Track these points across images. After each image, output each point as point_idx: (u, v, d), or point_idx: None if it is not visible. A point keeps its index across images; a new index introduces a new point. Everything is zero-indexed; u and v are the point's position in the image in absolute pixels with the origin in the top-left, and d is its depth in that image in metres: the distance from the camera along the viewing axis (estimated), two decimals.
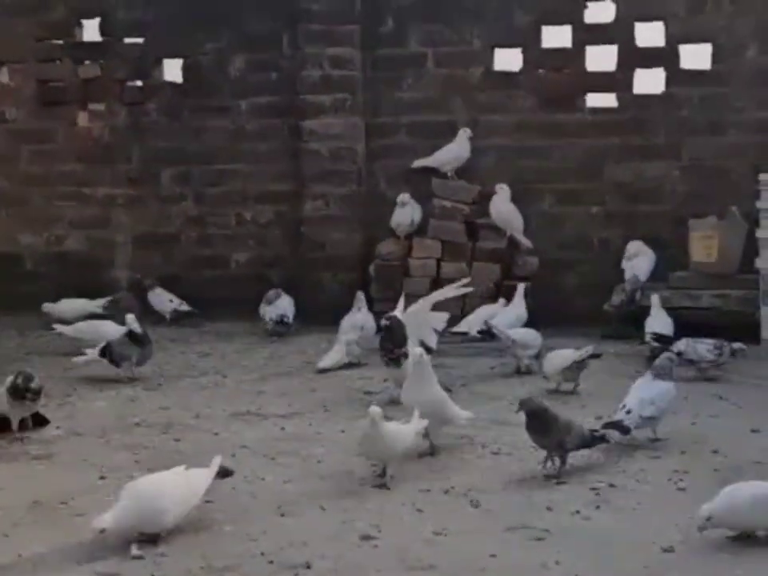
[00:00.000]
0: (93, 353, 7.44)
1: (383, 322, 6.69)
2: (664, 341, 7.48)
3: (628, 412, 5.51)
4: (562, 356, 6.91)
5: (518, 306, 8.46)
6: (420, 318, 6.86)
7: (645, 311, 8.19)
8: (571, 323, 8.65)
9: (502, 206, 9.25)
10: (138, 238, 10.39)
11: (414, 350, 5.86)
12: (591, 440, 5.25)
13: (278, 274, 9.59)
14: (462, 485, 5.00)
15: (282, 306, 9.04)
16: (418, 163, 9.58)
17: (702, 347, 7.20)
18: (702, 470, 5.14)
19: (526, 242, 9.28)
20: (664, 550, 4.19)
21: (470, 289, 7.69)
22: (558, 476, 5.06)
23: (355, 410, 6.52)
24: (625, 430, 5.48)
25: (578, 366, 6.87)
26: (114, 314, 8.79)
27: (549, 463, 5.13)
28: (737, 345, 7.23)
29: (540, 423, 5.10)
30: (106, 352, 7.38)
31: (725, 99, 9.32)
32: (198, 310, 9.51)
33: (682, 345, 7.21)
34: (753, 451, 5.51)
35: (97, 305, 9.29)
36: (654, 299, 8.16)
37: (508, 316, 8.27)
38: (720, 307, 8.51)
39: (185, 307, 9.53)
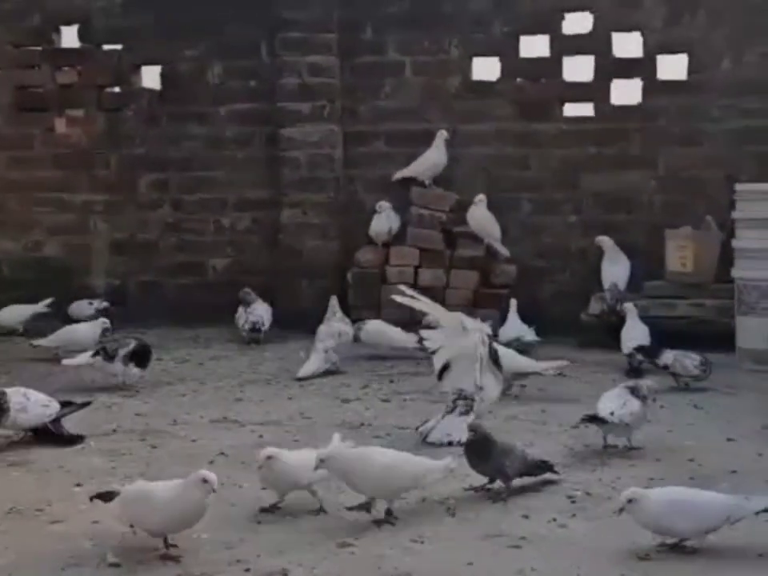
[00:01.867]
0: (85, 357, 7.40)
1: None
2: (649, 353, 7.48)
3: (612, 413, 5.56)
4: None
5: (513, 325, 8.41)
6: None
7: (623, 320, 8.23)
8: (548, 331, 8.68)
9: (479, 214, 9.29)
10: (115, 244, 10.37)
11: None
12: (535, 467, 5.11)
13: (256, 281, 9.58)
14: (438, 493, 5.01)
15: (257, 312, 9.04)
16: (398, 175, 9.61)
17: (689, 362, 7.19)
18: (677, 477, 5.16)
19: (503, 251, 9.32)
20: (640, 558, 4.22)
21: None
22: (505, 499, 4.93)
23: (333, 418, 6.54)
24: (602, 421, 5.58)
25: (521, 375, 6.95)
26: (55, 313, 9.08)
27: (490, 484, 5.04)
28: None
29: (479, 449, 4.98)
30: (100, 351, 7.36)
31: (701, 110, 9.39)
32: (114, 304, 9.52)
33: (669, 359, 7.21)
34: (727, 460, 5.54)
35: (43, 305, 9.32)
36: (630, 308, 8.19)
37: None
38: (695, 316, 8.57)
39: (104, 303, 9.55)
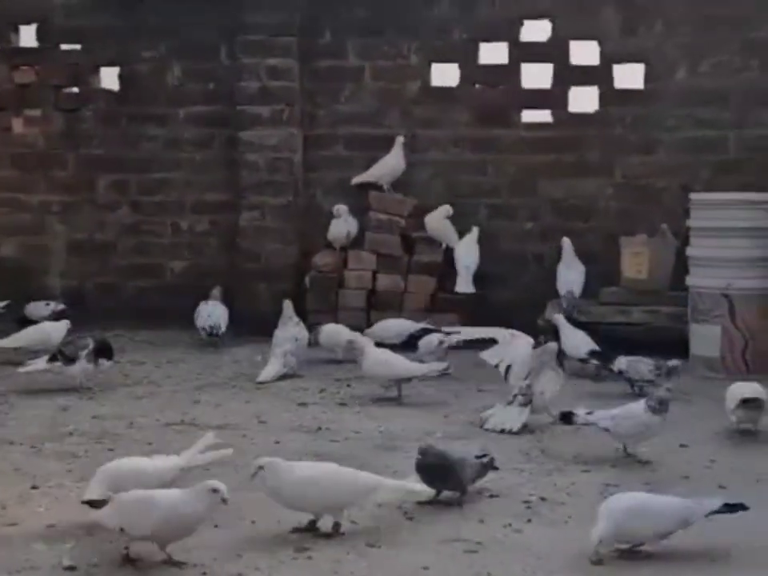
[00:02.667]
0: (40, 362, 7.35)
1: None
2: (603, 359, 7.54)
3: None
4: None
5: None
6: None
7: (579, 327, 8.29)
8: None
9: (437, 220, 9.33)
10: (73, 245, 10.32)
11: None
12: (484, 468, 5.14)
13: (214, 283, 9.55)
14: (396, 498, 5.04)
15: (215, 316, 9.02)
16: (357, 180, 9.64)
17: (643, 367, 7.23)
18: (632, 483, 5.23)
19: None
20: (593, 563, 4.27)
21: None
22: (460, 504, 4.97)
23: (291, 421, 6.56)
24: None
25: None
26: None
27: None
28: (672, 363, 7.36)
29: (435, 469, 4.93)
30: (57, 355, 7.32)
31: (656, 119, 9.50)
32: (71, 305, 9.46)
33: (623, 364, 7.26)
34: (681, 465, 5.62)
35: None
36: (560, 319, 8.21)
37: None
38: (650, 323, 8.66)
39: (60, 305, 9.46)
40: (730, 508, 4.40)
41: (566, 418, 5.85)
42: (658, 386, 7.11)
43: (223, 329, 8.98)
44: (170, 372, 8.13)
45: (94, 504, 4.43)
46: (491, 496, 5.11)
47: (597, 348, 7.77)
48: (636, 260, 8.85)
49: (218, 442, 4.99)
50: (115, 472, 4.66)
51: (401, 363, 7.16)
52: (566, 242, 9.22)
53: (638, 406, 5.71)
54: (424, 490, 4.90)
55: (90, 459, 5.70)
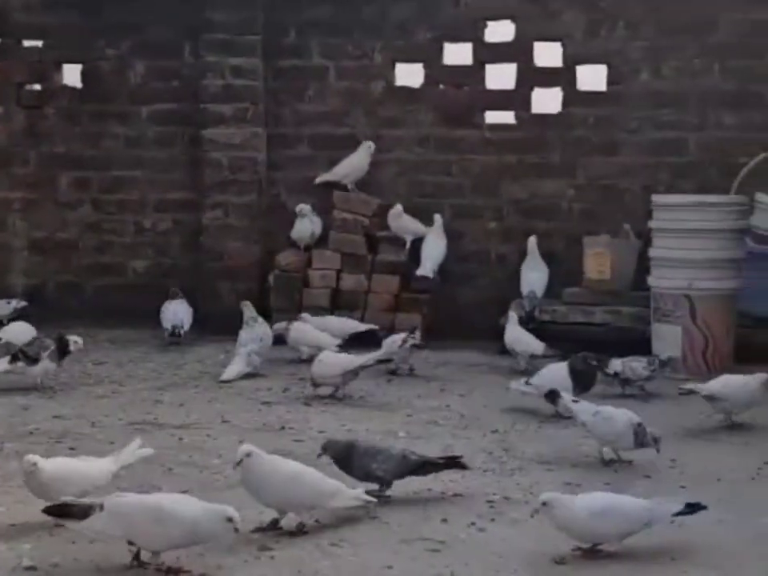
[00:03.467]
0: (2, 363, 7.28)
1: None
2: (598, 362, 7.52)
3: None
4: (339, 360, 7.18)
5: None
6: None
7: (541, 326, 8.33)
8: (468, 337, 8.79)
9: (393, 219, 9.35)
10: (34, 243, 10.23)
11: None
12: (419, 466, 5.04)
13: (176, 282, 9.51)
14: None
15: (179, 315, 8.98)
16: (321, 179, 9.64)
17: (638, 365, 7.30)
18: (593, 482, 5.26)
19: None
20: (556, 562, 4.30)
21: None
22: (380, 497, 4.91)
23: (254, 421, 6.55)
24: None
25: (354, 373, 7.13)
26: None
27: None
28: (665, 355, 7.41)
29: (343, 460, 4.97)
30: (19, 355, 7.26)
31: (619, 120, 9.56)
32: (32, 303, 9.39)
33: (617, 366, 7.31)
34: (642, 465, 5.66)
35: None
36: (512, 317, 8.27)
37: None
38: (612, 323, 8.72)
39: (22, 303, 9.37)
40: (691, 508, 4.43)
41: (552, 396, 5.89)
42: (653, 379, 7.18)
43: (186, 328, 8.94)
44: (133, 371, 8.08)
45: (57, 511, 4.24)
46: (455, 495, 5.13)
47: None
48: (598, 260, 8.91)
49: (145, 448, 4.91)
50: (51, 474, 4.56)
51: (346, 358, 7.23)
52: (532, 241, 9.26)
53: (623, 416, 5.67)
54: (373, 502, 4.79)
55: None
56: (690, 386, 6.66)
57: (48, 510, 4.26)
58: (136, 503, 4.15)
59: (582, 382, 6.73)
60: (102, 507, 4.10)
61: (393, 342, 7.92)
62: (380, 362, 7.32)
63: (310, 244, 9.49)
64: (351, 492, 4.75)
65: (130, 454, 4.86)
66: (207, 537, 4.13)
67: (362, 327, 8.58)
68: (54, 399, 7.13)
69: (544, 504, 4.31)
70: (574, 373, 6.74)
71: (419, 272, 9.11)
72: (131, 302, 9.72)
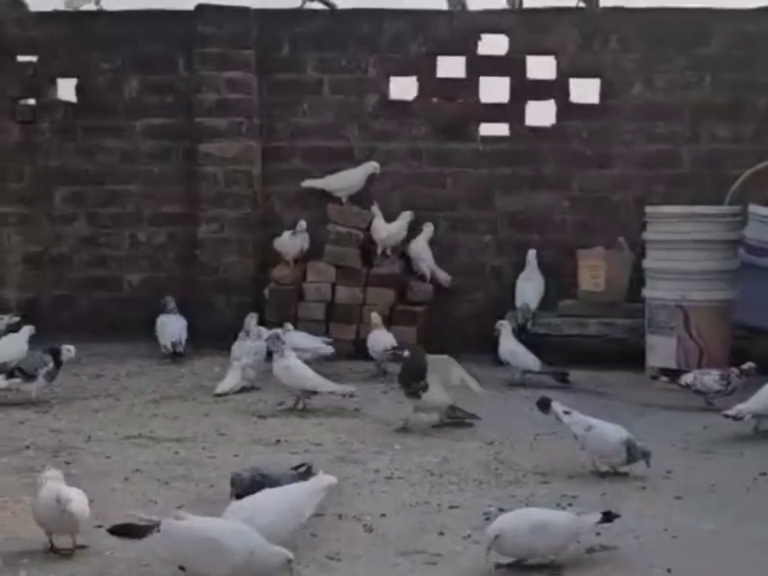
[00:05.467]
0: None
1: (404, 353, 7.16)
2: (671, 374, 7.55)
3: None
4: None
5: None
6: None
7: (536, 338, 8.34)
8: (464, 349, 8.76)
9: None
10: (29, 257, 10.23)
11: None
12: (301, 479, 4.80)
13: (172, 296, 9.51)
14: (355, 509, 5.05)
15: (176, 330, 8.97)
16: (308, 183, 9.67)
17: (708, 378, 7.29)
18: (589, 494, 5.28)
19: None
20: (550, 574, 4.30)
21: None
22: None
23: (249, 434, 6.55)
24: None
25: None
26: None
27: None
28: (746, 365, 7.34)
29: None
30: (16, 372, 7.25)
31: (612, 133, 9.60)
32: (27, 317, 9.21)
33: (689, 378, 7.33)
34: (637, 477, 5.66)
35: None
36: (506, 326, 8.29)
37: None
38: (607, 335, 8.74)
39: (15, 318, 9.26)
40: (608, 516, 4.48)
41: (543, 404, 5.87)
42: (728, 394, 7.13)
43: (183, 344, 8.94)
44: (128, 385, 8.08)
45: (120, 530, 4.12)
46: (451, 507, 5.14)
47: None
48: (593, 273, 8.94)
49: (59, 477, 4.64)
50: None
51: (310, 375, 7.24)
52: (531, 254, 9.30)
53: (615, 432, 5.65)
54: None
55: None
56: (733, 411, 6.48)
57: (112, 530, 4.13)
58: (189, 531, 4.00)
59: None
60: (158, 528, 3.98)
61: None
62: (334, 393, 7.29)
63: (298, 258, 9.50)
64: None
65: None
66: (260, 573, 3.98)
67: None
68: (50, 413, 7.12)
69: (497, 537, 4.22)
70: None
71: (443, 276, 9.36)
72: (126, 316, 9.73)
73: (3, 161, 10.23)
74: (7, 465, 5.84)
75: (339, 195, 9.59)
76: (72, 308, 10.04)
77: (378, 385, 8.00)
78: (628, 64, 9.58)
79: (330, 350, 8.46)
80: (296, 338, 8.21)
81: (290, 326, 8.38)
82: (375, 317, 8.60)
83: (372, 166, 9.56)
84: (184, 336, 8.96)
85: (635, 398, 7.59)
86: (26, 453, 6.11)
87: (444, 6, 9.93)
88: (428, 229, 9.46)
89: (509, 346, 8.18)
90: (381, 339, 8.39)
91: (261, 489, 4.61)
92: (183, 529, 4.00)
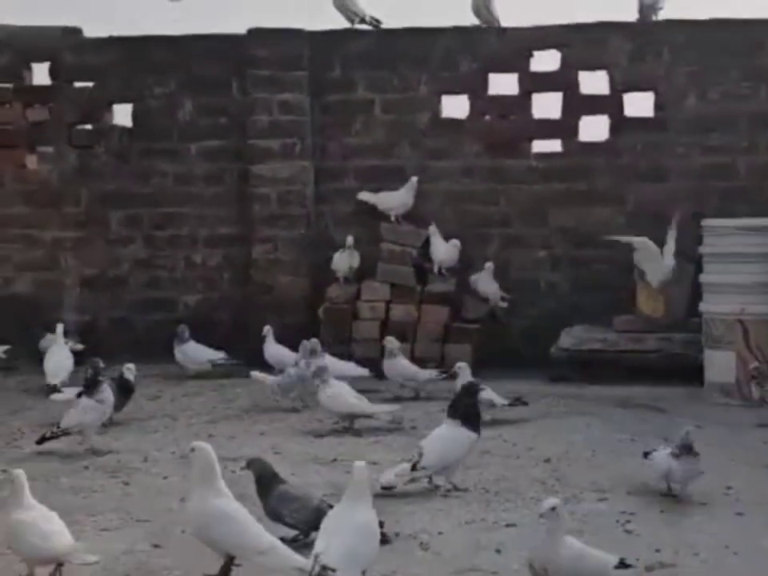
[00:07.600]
0: (71, 392, 7.29)
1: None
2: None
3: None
4: None
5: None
6: None
7: (593, 354, 8.28)
8: (519, 366, 8.74)
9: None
10: (86, 280, 10.34)
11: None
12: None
13: (226, 316, 9.57)
14: (411, 527, 5.03)
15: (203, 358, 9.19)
16: (363, 197, 9.70)
17: None
18: (648, 512, 5.21)
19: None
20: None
21: None
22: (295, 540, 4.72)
23: (306, 453, 6.56)
24: None
25: None
26: None
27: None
28: None
29: (263, 488, 4.86)
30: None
31: (666, 146, 9.53)
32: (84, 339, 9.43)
33: None
34: (698, 493, 5.57)
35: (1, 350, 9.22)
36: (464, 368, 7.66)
37: None
38: (664, 350, 8.65)
39: (78, 346, 9.30)
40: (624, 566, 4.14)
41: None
42: None
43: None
44: (185, 405, 8.13)
45: None
46: (507, 525, 5.10)
47: None
48: (653, 303, 8.85)
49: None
50: None
51: (353, 401, 7.14)
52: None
53: (661, 455, 5.51)
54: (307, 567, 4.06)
55: (105, 493, 5.71)
56: None
57: None
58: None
59: None
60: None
61: None
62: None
63: (348, 276, 9.51)
64: (282, 553, 4.24)
65: None
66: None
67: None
68: (109, 434, 7.17)
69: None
70: None
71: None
72: None
73: (60, 186, 10.37)
74: (66, 485, 5.89)
75: (391, 214, 9.61)
76: (128, 329, 10.13)
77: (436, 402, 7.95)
78: (681, 76, 9.52)
79: (363, 371, 8.33)
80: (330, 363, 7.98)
81: (317, 345, 8.11)
82: (391, 341, 8.26)
83: (413, 182, 9.57)
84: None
85: (693, 413, 7.50)
86: (84, 473, 6.16)
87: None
88: (489, 265, 9.41)
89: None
90: (396, 369, 8.20)
91: (268, 489, 4.76)
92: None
